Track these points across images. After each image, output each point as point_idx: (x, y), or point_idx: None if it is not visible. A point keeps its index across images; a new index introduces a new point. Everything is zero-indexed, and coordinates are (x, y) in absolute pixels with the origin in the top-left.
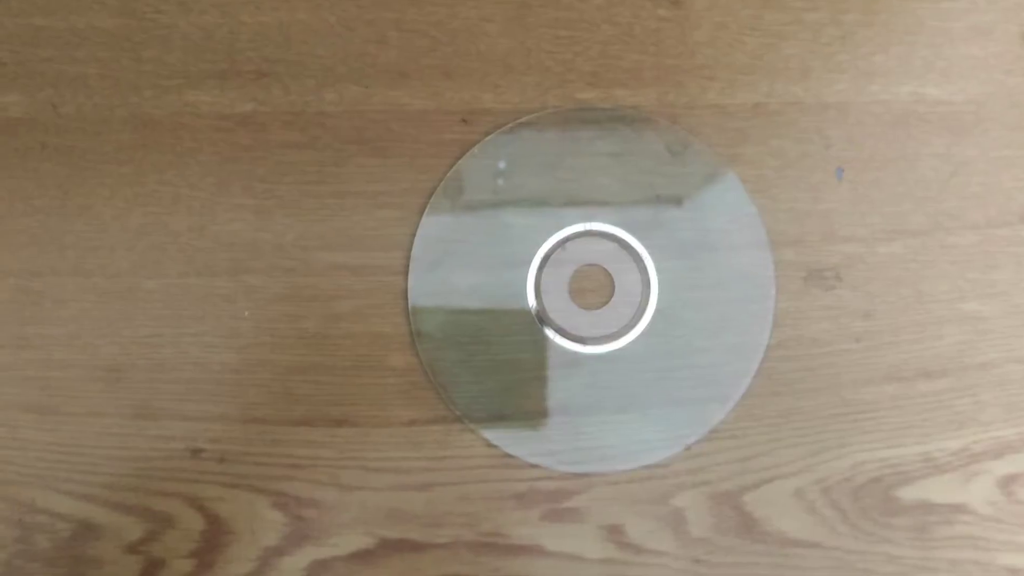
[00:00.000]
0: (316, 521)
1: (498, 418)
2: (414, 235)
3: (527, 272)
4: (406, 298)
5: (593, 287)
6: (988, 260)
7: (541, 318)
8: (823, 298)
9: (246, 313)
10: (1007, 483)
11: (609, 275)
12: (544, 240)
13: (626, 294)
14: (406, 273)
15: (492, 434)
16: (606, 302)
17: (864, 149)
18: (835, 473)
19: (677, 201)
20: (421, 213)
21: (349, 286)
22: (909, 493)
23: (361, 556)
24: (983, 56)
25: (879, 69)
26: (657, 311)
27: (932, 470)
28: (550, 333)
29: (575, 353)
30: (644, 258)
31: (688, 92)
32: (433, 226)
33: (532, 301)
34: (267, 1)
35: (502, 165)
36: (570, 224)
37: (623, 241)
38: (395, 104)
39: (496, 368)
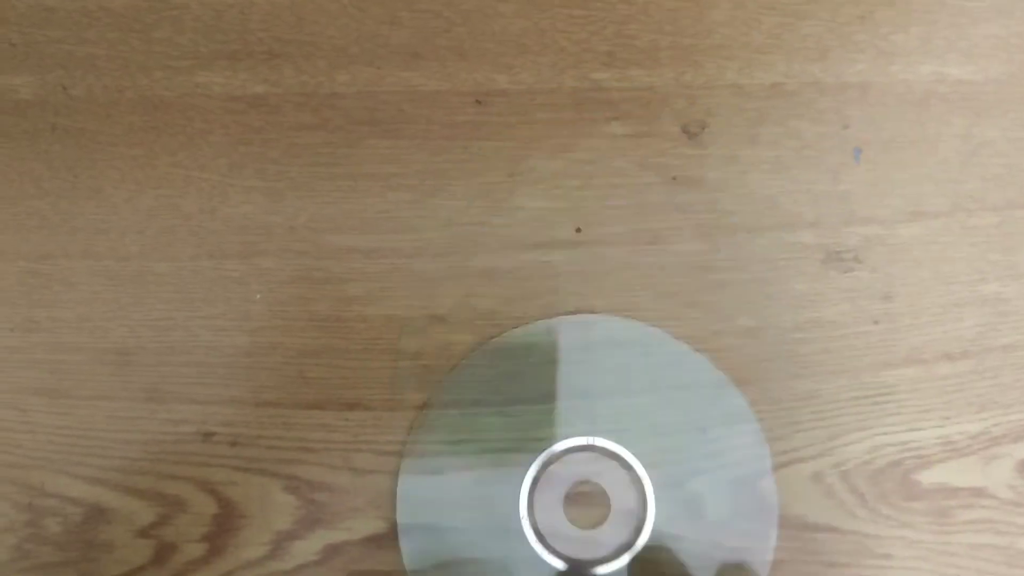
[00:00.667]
0: (329, 505)
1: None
2: (427, 217)
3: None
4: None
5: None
6: (1009, 241)
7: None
8: (841, 280)
9: (257, 296)
10: None
11: (606, 493)
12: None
13: (622, 512)
14: (418, 256)
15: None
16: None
17: (883, 130)
18: (854, 457)
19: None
20: (434, 196)
21: (361, 269)
22: (928, 477)
23: (374, 540)
24: (1004, 36)
25: (899, 49)
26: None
27: (952, 453)
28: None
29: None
30: (644, 481)
31: (705, 72)
32: None
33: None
34: None
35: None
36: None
37: (622, 459)
38: (408, 85)
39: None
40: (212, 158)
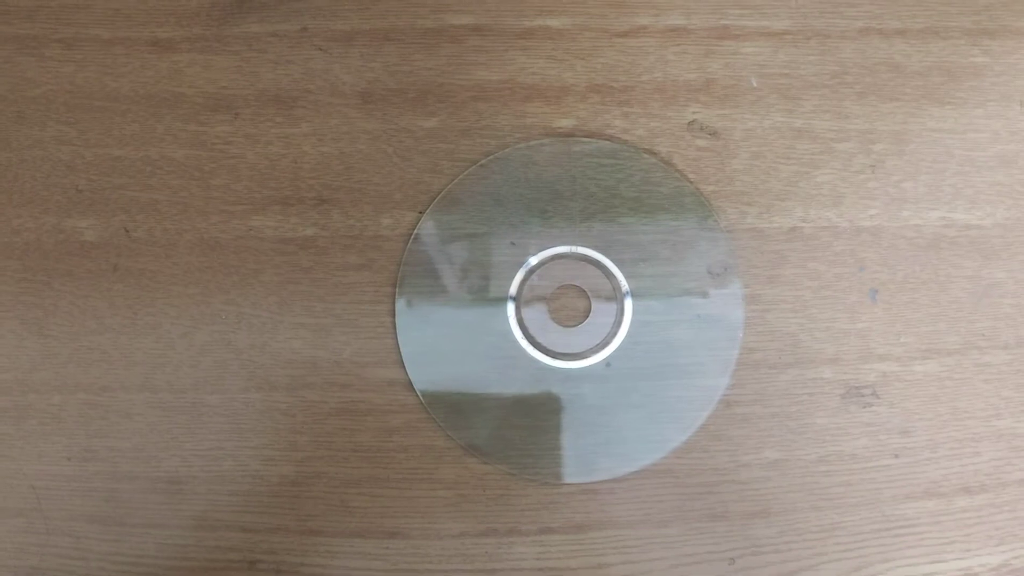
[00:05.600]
0: None
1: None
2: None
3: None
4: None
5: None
6: (1021, 379)
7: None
8: (861, 415)
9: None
10: None
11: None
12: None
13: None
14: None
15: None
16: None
17: (897, 271)
18: None
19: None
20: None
21: (402, 401)
22: None
23: None
24: (1009, 183)
25: (909, 196)
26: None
27: None
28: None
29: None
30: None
31: (727, 216)
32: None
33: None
34: (329, 133)
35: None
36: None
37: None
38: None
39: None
40: (263, 296)
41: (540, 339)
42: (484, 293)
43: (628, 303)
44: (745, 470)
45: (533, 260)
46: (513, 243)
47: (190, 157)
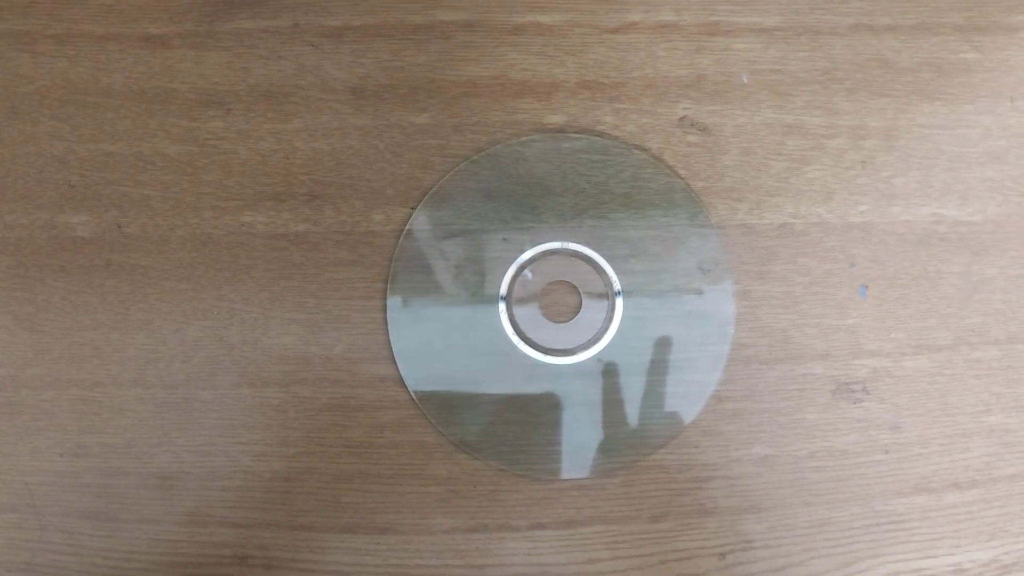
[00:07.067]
0: None
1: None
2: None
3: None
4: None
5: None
6: (1011, 374)
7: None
8: (851, 411)
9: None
10: None
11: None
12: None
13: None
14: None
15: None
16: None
17: (888, 267)
18: None
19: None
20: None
21: (394, 397)
22: None
23: None
24: (999, 179)
25: (899, 192)
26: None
27: None
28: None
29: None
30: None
31: (718, 212)
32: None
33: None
34: (320, 129)
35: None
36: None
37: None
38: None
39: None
40: (255, 292)
41: (531, 335)
42: (475, 289)
43: (619, 299)
44: (736, 465)
45: (524, 256)
46: (504, 239)
47: (182, 153)
